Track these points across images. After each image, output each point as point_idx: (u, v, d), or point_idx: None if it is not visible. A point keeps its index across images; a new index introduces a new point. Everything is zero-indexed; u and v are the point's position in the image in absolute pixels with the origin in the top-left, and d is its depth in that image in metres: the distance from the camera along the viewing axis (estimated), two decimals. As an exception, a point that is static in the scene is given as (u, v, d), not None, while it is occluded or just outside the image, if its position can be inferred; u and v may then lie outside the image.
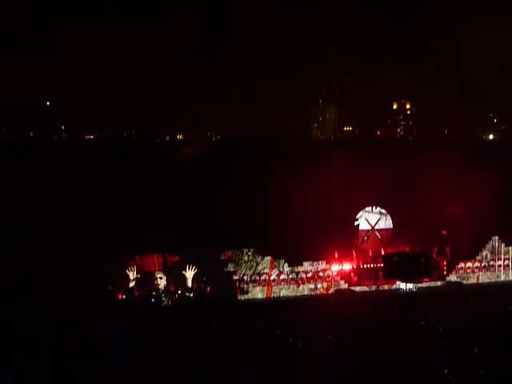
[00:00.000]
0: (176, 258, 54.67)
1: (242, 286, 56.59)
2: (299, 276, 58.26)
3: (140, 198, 58.24)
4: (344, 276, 59.72)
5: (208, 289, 55.11)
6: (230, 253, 56.48)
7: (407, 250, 61.03)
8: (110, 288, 52.65)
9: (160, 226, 55.17)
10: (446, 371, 38.54)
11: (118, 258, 53.33)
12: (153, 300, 53.86)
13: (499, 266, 63.28)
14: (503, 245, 63.26)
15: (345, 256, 59.89)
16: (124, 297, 53.23)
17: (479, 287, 61.34)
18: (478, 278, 62.77)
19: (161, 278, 54.20)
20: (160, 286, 54.15)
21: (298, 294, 58.03)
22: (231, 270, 56.38)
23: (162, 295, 54.06)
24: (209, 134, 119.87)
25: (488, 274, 63.03)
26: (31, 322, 44.90)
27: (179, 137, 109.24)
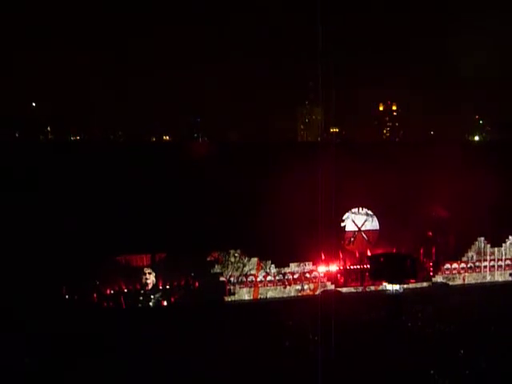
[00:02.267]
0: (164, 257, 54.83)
1: (228, 287, 56.58)
2: (286, 277, 58.30)
3: (127, 199, 58.06)
4: (331, 277, 59.82)
5: (196, 284, 55.09)
6: (217, 254, 56.45)
7: (393, 251, 61.15)
8: (98, 284, 52.71)
9: (148, 227, 55.05)
10: (432, 372, 38.66)
11: (107, 256, 53.30)
12: (141, 298, 53.87)
13: (485, 266, 63.54)
14: (489, 246, 63.55)
15: (331, 257, 59.99)
16: (112, 292, 53.27)
17: (465, 288, 61.57)
18: (463, 279, 63.02)
19: (150, 273, 54.22)
20: (148, 281, 54.21)
21: (285, 296, 58.06)
22: (218, 271, 56.36)
23: (152, 293, 54.14)
24: (196, 135, 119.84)
25: (474, 274, 63.28)
26: (18, 318, 44.89)
27: (166, 138, 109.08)
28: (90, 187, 59.33)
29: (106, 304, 52.72)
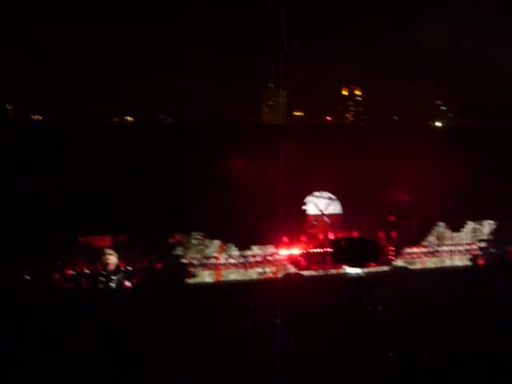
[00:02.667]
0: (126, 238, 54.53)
1: (190, 269, 56.48)
2: (248, 260, 58.32)
3: (89, 179, 57.47)
4: (292, 260, 59.97)
5: (159, 266, 54.91)
6: (179, 236, 56.23)
7: (355, 235, 61.57)
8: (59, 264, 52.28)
9: (110, 208, 54.60)
10: (391, 355, 39.09)
11: (68, 237, 52.85)
12: (102, 279, 53.56)
13: (444, 251, 64.23)
14: (449, 231, 64.22)
15: (293, 240, 60.12)
16: (74, 273, 52.88)
17: (425, 272, 62.23)
18: (423, 263, 63.63)
19: (111, 255, 53.91)
20: (110, 262, 53.92)
21: (247, 278, 58.10)
22: (180, 253, 56.16)
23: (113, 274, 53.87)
24: (161, 117, 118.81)
25: (433, 259, 63.92)
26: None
27: (129, 118, 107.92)
28: (50, 168, 58.53)
29: (67, 285, 52.29)
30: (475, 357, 38.74)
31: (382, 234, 63.19)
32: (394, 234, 63.50)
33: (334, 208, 63.70)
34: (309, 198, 63.14)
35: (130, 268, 54.50)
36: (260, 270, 58.69)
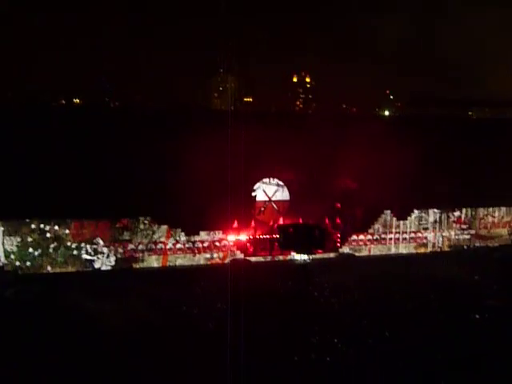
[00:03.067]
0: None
1: (136, 254, 56.16)
2: (195, 245, 58.24)
3: (33, 164, 56.45)
4: (240, 246, 60.10)
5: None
6: (126, 221, 55.82)
7: (302, 221, 61.94)
8: None
9: (55, 192, 53.76)
10: (335, 340, 39.48)
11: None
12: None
13: (390, 239, 65.08)
14: (394, 219, 65.09)
15: (242, 226, 60.23)
16: None
17: (370, 259, 63.00)
18: (369, 250, 64.39)
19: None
20: None
21: (194, 264, 58.03)
22: (127, 238, 55.77)
23: None
24: (107, 100, 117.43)
25: (379, 246, 64.74)
26: None
27: (76, 101, 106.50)
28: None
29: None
30: (420, 342, 39.36)
31: (328, 221, 63.72)
32: (340, 221, 64.10)
33: (282, 195, 64.02)
34: (258, 185, 63.27)
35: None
36: (207, 255, 58.67)
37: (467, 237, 68.15)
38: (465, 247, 67.75)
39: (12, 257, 52.38)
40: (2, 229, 52.08)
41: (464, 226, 68.03)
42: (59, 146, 57.29)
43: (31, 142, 57.01)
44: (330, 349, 38.46)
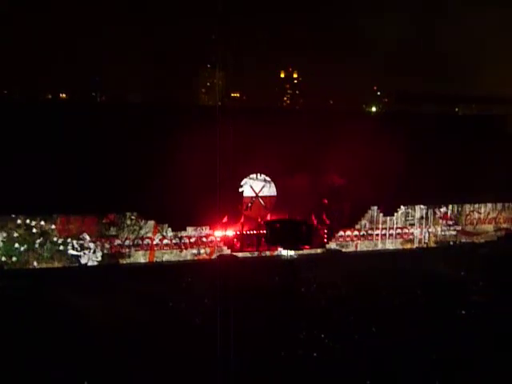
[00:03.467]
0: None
1: (123, 250, 56.03)
2: (182, 241, 58.20)
3: (20, 159, 56.11)
4: (227, 242, 60.13)
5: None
6: (113, 216, 55.68)
7: (289, 217, 61.96)
8: None
9: (41, 187, 53.51)
10: (322, 335, 39.56)
11: None
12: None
13: (377, 235, 65.36)
14: (381, 215, 65.35)
15: (229, 222, 60.23)
16: None
17: (357, 255, 63.21)
18: (356, 246, 64.61)
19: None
20: None
21: (181, 259, 57.98)
22: (113, 233, 55.64)
23: None
24: (93, 94, 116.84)
25: (366, 242, 64.97)
26: None
27: (63, 96, 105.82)
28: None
29: None
30: (406, 337, 39.49)
31: (315, 217, 63.82)
32: (327, 217, 64.22)
33: (269, 190, 64.03)
34: (245, 181, 63.24)
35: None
36: (194, 251, 58.64)
37: (453, 233, 68.58)
38: (451, 243, 68.09)
39: (-3, 252, 52.17)
40: (-12, 224, 51.84)
41: (450, 222, 68.44)
42: (45, 141, 56.97)
43: (16, 138, 56.64)
44: (317, 344, 38.51)
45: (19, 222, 52.78)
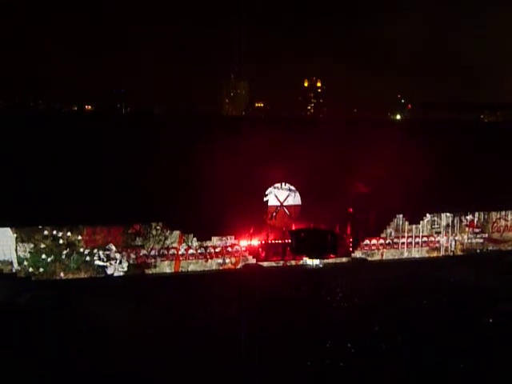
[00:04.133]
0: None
1: (149, 260, 56.22)
2: (208, 251, 58.26)
3: (48, 171, 56.75)
4: (252, 251, 60.08)
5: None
6: (138, 227, 55.92)
7: (314, 226, 61.77)
8: None
9: (68, 199, 54.06)
10: (348, 345, 39.39)
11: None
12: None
13: (402, 243, 64.96)
14: (407, 223, 64.96)
15: (254, 232, 60.22)
16: None
17: (383, 263, 62.88)
18: (382, 255, 64.28)
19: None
20: None
21: (206, 269, 58.06)
22: (139, 244, 55.86)
23: None
24: (118, 106, 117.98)
25: (392, 250, 64.62)
26: None
27: (88, 107, 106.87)
28: (9, 158, 57.67)
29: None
30: (433, 346, 39.22)
31: (340, 226, 63.60)
32: (353, 225, 63.98)
33: (294, 199, 63.91)
34: (269, 190, 63.23)
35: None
36: (220, 260, 58.69)
37: (480, 241, 67.94)
38: (478, 251, 67.53)
39: (25, 263, 52.55)
40: (15, 235, 52.27)
41: (477, 230, 67.84)
42: (72, 153, 57.59)
43: (44, 149, 57.32)
44: (343, 354, 38.35)
45: (46, 233, 53.13)
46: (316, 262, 59.76)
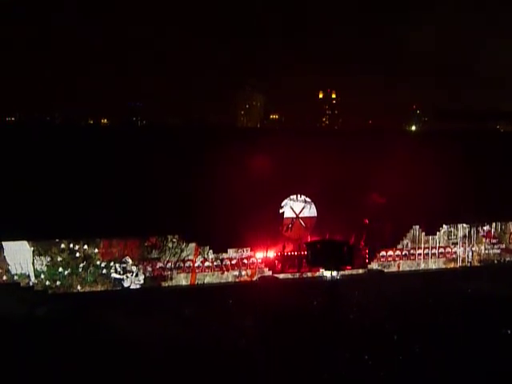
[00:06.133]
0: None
1: (165, 273, 56.26)
2: (224, 263, 58.26)
3: (63, 184, 57.05)
4: (268, 263, 60.03)
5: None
6: (154, 239, 56.02)
7: (329, 237, 61.62)
8: None
9: (84, 212, 54.31)
10: (366, 357, 39.19)
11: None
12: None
13: (419, 254, 64.70)
14: (423, 234, 64.70)
15: (269, 243, 60.16)
16: None
17: (400, 275, 62.61)
18: (398, 266, 64.03)
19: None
20: None
21: (223, 281, 58.03)
22: (155, 256, 55.94)
23: None
24: (134, 119, 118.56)
25: (408, 262, 64.37)
26: None
27: (104, 121, 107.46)
28: (23, 170, 57.98)
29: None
30: (452, 357, 38.96)
31: (356, 237, 63.43)
32: (369, 237, 63.78)
33: (310, 211, 63.84)
34: (285, 202, 63.20)
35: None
36: (236, 272, 58.66)
37: (497, 251, 67.54)
38: (495, 262, 67.12)
39: (42, 276, 52.76)
40: (32, 249, 52.51)
41: (494, 241, 67.45)
42: (88, 166, 57.90)
43: (61, 163, 57.67)
44: (360, 365, 38.18)
45: (63, 246, 53.34)
46: (332, 273, 59.59)
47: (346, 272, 60.28)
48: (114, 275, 54.91)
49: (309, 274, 60.42)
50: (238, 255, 58.76)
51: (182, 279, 57.05)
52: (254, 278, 59.01)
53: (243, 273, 58.88)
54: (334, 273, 58.91)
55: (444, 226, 65.56)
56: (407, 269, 64.18)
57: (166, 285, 56.39)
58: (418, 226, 64.61)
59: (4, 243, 51.57)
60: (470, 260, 66.50)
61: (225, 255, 58.32)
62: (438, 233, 65.40)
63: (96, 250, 54.27)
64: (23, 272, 52.27)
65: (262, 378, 34.43)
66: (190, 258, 57.17)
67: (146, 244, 55.86)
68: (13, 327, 42.46)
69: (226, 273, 58.35)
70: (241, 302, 49.03)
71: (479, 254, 66.90)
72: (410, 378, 36.52)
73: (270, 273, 59.68)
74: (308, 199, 63.74)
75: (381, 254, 63.49)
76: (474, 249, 66.64)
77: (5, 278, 51.68)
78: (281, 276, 59.75)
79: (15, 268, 51.94)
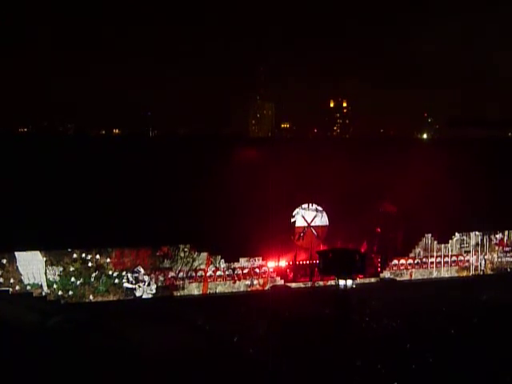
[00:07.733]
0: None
1: (177, 282, 56.30)
2: (235, 272, 58.25)
3: (75, 194, 57.22)
4: (280, 272, 59.97)
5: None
6: (166, 249, 56.09)
7: (341, 246, 61.48)
8: None
9: (96, 222, 54.45)
10: (379, 366, 39.03)
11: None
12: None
13: (431, 262, 64.51)
14: (435, 242, 64.51)
15: (281, 252, 60.12)
16: None
17: (412, 283, 62.40)
18: (410, 275, 63.83)
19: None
20: None
21: (234, 290, 58.01)
22: (167, 266, 56.00)
23: None
24: (146, 129, 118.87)
25: (421, 270, 64.18)
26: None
27: (115, 131, 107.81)
28: (37, 181, 58.22)
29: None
30: (464, 366, 38.73)
31: (368, 246, 63.30)
32: (381, 245, 63.65)
33: (321, 220, 63.78)
34: (297, 210, 63.16)
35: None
36: (247, 282, 58.64)
37: (510, 259, 67.23)
38: (508, 270, 66.81)
39: (54, 286, 52.92)
40: (45, 259, 52.70)
41: (507, 249, 67.17)
42: (100, 176, 58.07)
43: (73, 173, 57.88)
44: (373, 374, 38.03)
45: (75, 256, 53.50)
46: (344, 282, 59.40)
47: (359, 281, 60.14)
48: (126, 285, 55.02)
49: (321, 283, 60.30)
50: (250, 264, 58.76)
51: (194, 289, 57.10)
52: (266, 287, 58.98)
53: (255, 282, 58.87)
54: (349, 282, 58.84)
55: (456, 234, 65.36)
56: (419, 277, 63.96)
57: (178, 294, 56.45)
58: (430, 235, 64.46)
59: (17, 253, 51.81)
60: (482, 268, 66.23)
61: (236, 264, 58.35)
62: (450, 241, 65.21)
63: (108, 260, 54.41)
64: (36, 282, 52.46)
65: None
66: (202, 267, 57.21)
67: (157, 253, 55.97)
68: (26, 337, 42.55)
69: (237, 282, 58.37)
70: (253, 312, 48.95)
71: (492, 262, 66.65)
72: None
73: (282, 282, 59.64)
74: (320, 208, 63.70)
75: (393, 263, 63.33)
76: (486, 257, 66.39)
77: (18, 287, 51.89)
78: (293, 285, 59.68)
79: (28, 278, 52.15)
